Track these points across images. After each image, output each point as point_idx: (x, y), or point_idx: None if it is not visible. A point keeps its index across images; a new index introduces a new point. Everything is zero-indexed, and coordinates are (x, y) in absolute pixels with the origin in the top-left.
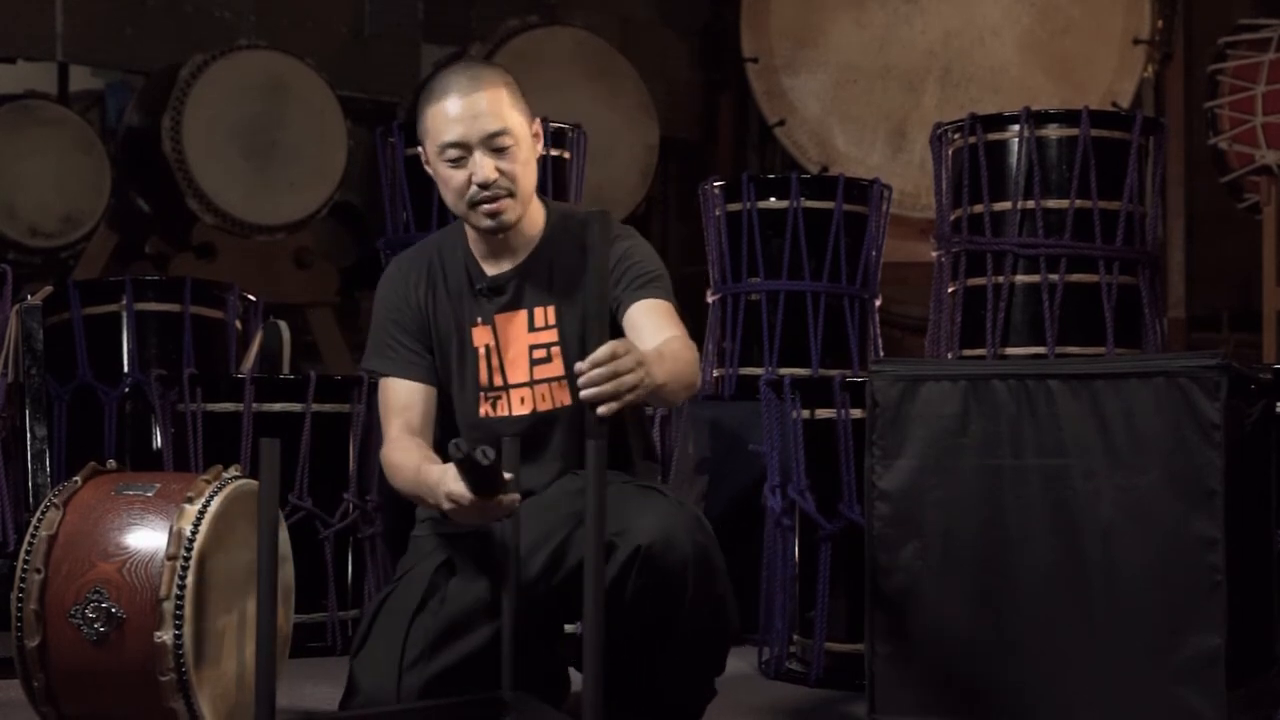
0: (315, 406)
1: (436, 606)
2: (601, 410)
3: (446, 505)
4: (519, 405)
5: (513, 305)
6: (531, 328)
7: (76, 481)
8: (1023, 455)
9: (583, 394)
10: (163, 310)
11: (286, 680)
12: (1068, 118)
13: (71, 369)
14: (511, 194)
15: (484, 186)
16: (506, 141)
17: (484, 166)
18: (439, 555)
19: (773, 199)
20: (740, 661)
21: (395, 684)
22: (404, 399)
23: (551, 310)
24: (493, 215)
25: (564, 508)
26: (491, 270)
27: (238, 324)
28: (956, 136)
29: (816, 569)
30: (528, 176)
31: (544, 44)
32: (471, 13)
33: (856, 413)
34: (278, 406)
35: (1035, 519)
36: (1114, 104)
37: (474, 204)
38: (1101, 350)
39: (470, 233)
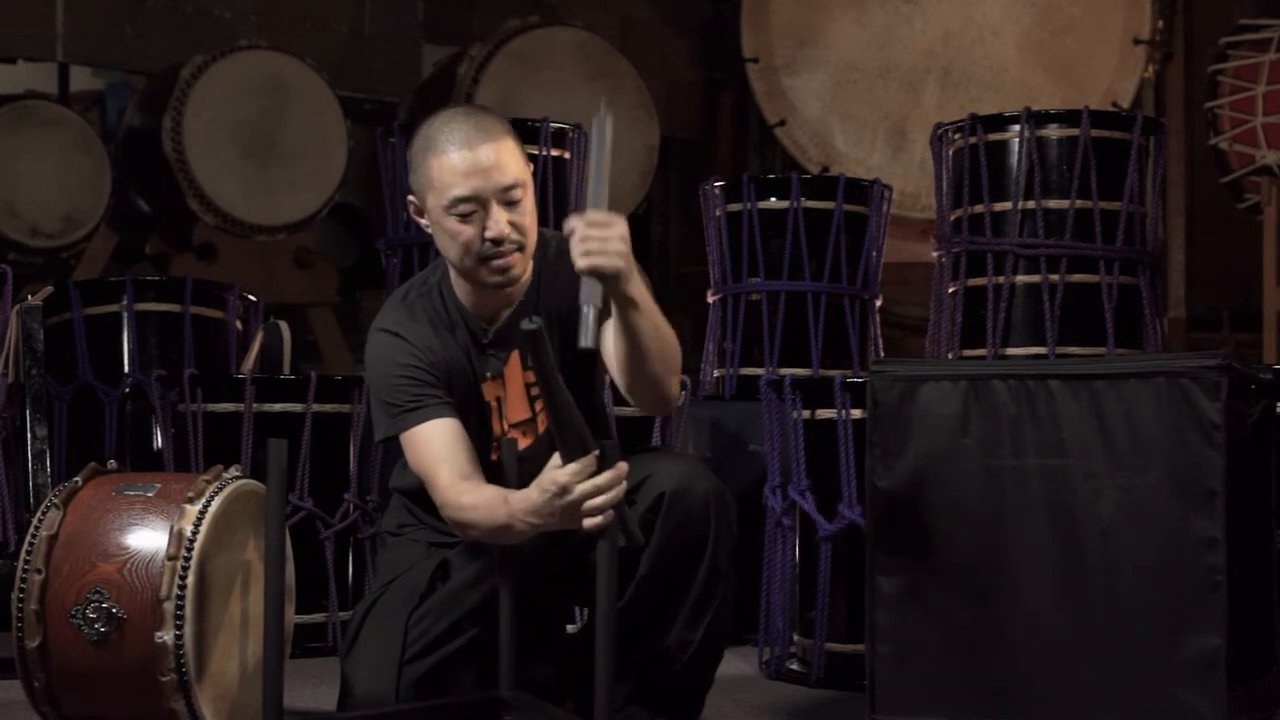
0: (316, 407)
1: (434, 605)
2: (589, 264)
3: (561, 501)
4: (522, 439)
5: (512, 349)
6: (526, 366)
7: (77, 482)
8: (1023, 455)
9: (577, 237)
10: (163, 310)
11: (287, 681)
12: (1068, 118)
13: (72, 369)
14: (521, 248)
15: (497, 242)
16: (518, 195)
17: (500, 221)
18: (435, 558)
19: (773, 199)
20: (741, 662)
21: (394, 682)
22: (447, 442)
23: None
24: (503, 271)
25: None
26: (491, 324)
27: (238, 324)
28: (957, 137)
29: (817, 569)
30: (534, 228)
31: (544, 44)
32: (472, 13)
33: (857, 413)
34: (278, 407)
35: (1035, 519)
36: (1114, 104)
37: (484, 259)
38: (1102, 350)
39: (459, 287)
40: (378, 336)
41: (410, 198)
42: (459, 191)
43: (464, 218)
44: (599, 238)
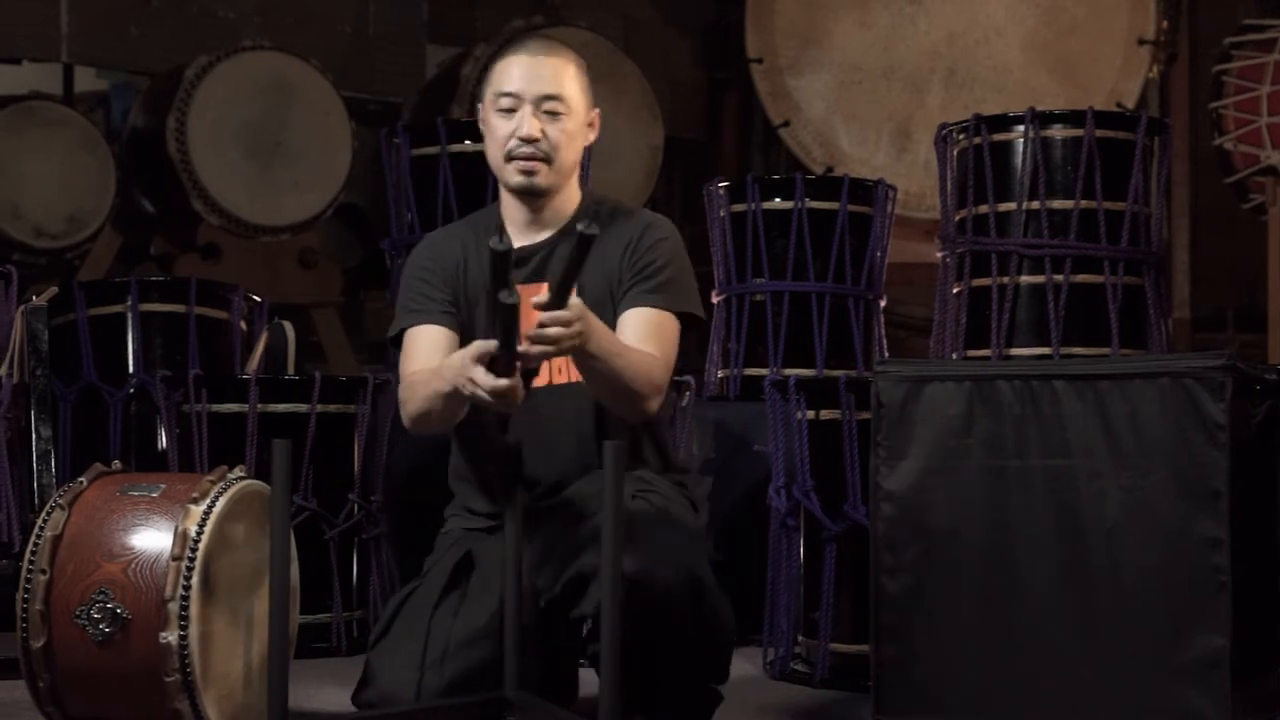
0: (320, 407)
1: (454, 605)
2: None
3: (471, 370)
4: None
5: (535, 278)
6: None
7: (81, 482)
8: (1027, 456)
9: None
10: (168, 311)
11: (291, 681)
12: (1072, 118)
13: (76, 370)
14: (548, 160)
15: (525, 141)
16: (559, 108)
17: (530, 122)
18: (459, 550)
19: (777, 199)
20: (745, 662)
21: (415, 684)
22: (430, 344)
23: (574, 287)
24: (526, 173)
25: (583, 529)
26: (520, 241)
27: (242, 325)
28: (961, 137)
29: (821, 570)
30: (569, 150)
31: None
32: (475, 13)
33: (861, 413)
34: (282, 407)
35: (1040, 520)
36: (1119, 104)
37: (510, 157)
38: (1106, 351)
39: (506, 206)
40: (420, 243)
41: (479, 106)
42: (504, 86)
43: (504, 114)
44: (548, 338)
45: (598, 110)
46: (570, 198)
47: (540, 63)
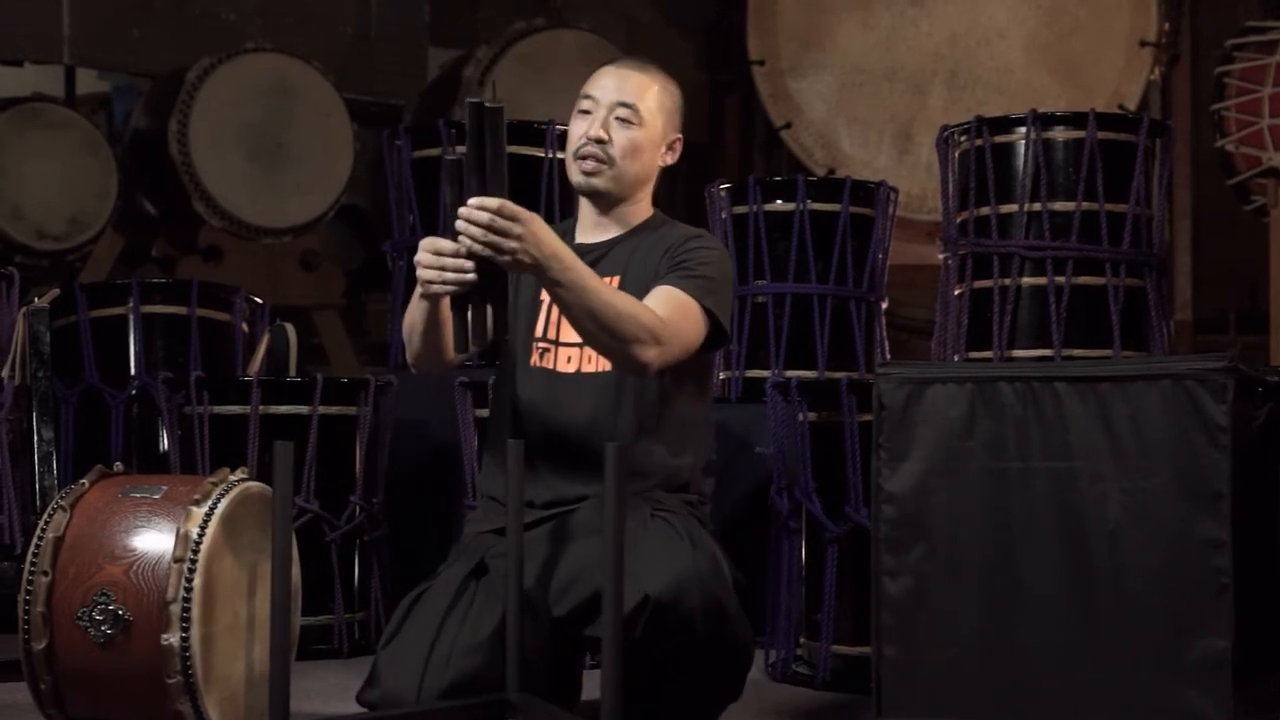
0: (322, 409)
1: (463, 612)
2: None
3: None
4: (564, 363)
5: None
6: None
7: (83, 484)
8: (1029, 458)
9: (458, 224)
10: (169, 313)
11: (293, 683)
12: (1074, 120)
13: (78, 372)
14: (610, 163)
15: (591, 141)
16: (631, 117)
17: (597, 124)
18: (473, 558)
19: (779, 201)
20: None
21: (417, 687)
22: None
23: (616, 280)
24: (586, 173)
25: (592, 555)
26: (581, 238)
27: (244, 326)
28: (963, 139)
29: (823, 571)
30: (634, 160)
31: (550, 47)
32: (477, 15)
33: (863, 415)
34: (284, 409)
35: (1041, 521)
36: (1120, 106)
37: (577, 155)
38: (1108, 353)
39: (581, 204)
40: None
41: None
42: (587, 90)
43: (581, 115)
44: (482, 222)
45: (680, 137)
46: (640, 210)
47: (625, 75)
